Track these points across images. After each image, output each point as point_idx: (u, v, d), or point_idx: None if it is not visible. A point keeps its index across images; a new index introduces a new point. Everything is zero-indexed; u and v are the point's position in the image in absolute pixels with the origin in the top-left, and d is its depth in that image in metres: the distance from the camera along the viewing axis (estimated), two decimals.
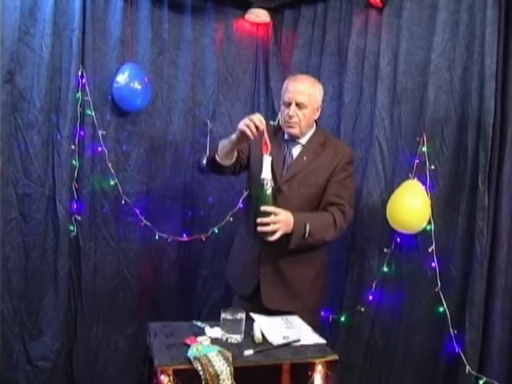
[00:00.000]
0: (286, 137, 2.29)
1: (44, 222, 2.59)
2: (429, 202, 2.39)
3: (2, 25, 2.35)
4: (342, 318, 2.75)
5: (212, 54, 3.08)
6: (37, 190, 2.56)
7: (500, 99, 2.24)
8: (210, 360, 1.60)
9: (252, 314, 1.99)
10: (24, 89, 2.48)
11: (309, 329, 1.95)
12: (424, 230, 2.42)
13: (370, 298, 2.64)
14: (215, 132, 3.10)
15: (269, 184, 1.99)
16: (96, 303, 2.80)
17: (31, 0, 2.45)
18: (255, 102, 3.23)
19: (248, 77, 3.23)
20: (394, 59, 2.63)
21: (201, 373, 1.58)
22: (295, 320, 2.04)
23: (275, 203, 2.02)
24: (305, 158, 2.23)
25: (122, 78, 2.66)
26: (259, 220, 1.97)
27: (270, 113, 3.13)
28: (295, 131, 2.22)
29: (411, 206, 2.35)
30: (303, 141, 2.27)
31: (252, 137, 1.99)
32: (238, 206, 3.15)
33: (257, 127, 1.97)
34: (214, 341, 1.77)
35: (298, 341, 1.81)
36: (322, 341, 1.85)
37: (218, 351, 1.65)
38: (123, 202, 2.83)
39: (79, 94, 2.60)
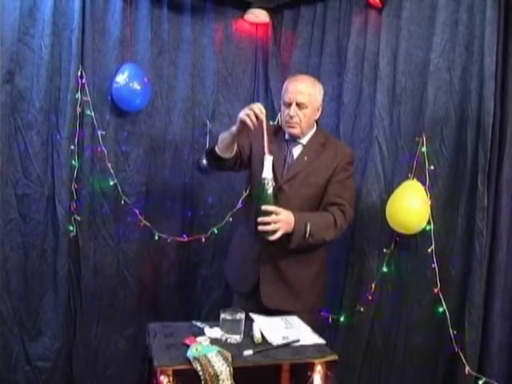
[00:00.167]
0: (286, 137, 2.29)
1: (43, 222, 2.59)
2: (428, 202, 2.39)
3: (1, 25, 2.35)
4: (342, 318, 2.75)
5: (211, 54, 3.08)
6: (36, 190, 2.56)
7: (499, 99, 2.24)
8: (209, 360, 1.60)
9: (251, 315, 1.99)
10: (23, 89, 2.48)
11: (308, 329, 1.95)
12: (423, 230, 2.42)
13: (370, 298, 2.64)
14: (215, 132, 3.09)
15: (270, 183, 1.99)
16: (95, 303, 2.80)
17: (31, 0, 2.45)
18: (255, 102, 3.21)
19: (247, 77, 3.23)
20: (393, 59, 2.63)
21: (200, 373, 1.58)
22: (295, 320, 2.04)
23: (276, 203, 2.02)
24: (305, 158, 2.23)
25: (121, 79, 2.66)
26: (260, 219, 1.98)
27: (270, 113, 3.13)
28: (296, 131, 2.22)
29: (411, 207, 2.35)
30: (304, 141, 2.27)
31: (252, 126, 1.99)
32: (237, 207, 3.14)
33: (257, 117, 1.98)
34: (214, 341, 1.77)
35: (298, 341, 1.81)
36: (321, 341, 1.85)
37: (218, 351, 1.65)
38: (123, 202, 2.83)
39: (79, 95, 2.59)
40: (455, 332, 2.35)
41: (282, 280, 2.22)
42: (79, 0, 2.53)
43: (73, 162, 2.63)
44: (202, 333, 1.84)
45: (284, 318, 2.05)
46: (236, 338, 1.79)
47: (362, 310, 2.67)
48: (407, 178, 2.49)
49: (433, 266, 2.41)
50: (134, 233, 2.90)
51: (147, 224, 2.92)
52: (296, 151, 2.27)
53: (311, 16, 3.02)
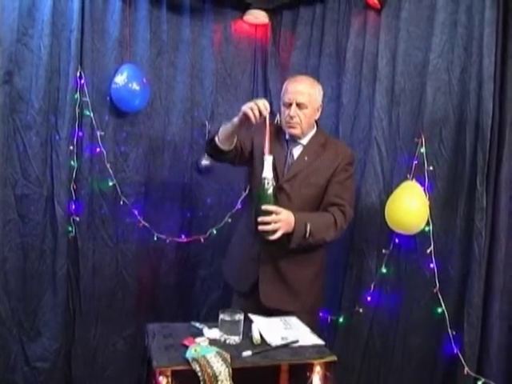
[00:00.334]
0: (286, 137, 2.29)
1: (42, 222, 2.59)
2: (427, 202, 2.39)
3: (0, 25, 2.35)
4: (341, 319, 2.75)
5: (210, 55, 3.08)
6: (35, 190, 2.56)
7: (498, 100, 2.25)
8: (208, 361, 1.60)
9: (250, 315, 1.99)
10: (22, 90, 2.48)
11: (307, 330, 1.95)
12: (422, 231, 2.42)
13: (369, 298, 2.64)
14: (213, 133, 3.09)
15: (270, 183, 2.00)
16: (94, 304, 2.80)
17: (30, 1, 2.45)
18: None
19: (246, 78, 3.23)
20: (392, 60, 2.64)
21: (199, 374, 1.58)
22: (293, 321, 2.04)
23: (276, 202, 2.03)
24: (306, 158, 2.23)
25: (120, 79, 2.66)
26: (260, 219, 1.98)
27: (269, 114, 3.13)
28: (296, 131, 2.22)
29: (409, 207, 2.35)
30: (304, 141, 2.28)
31: (254, 120, 1.98)
32: (236, 207, 3.15)
33: (260, 112, 1.97)
34: (213, 342, 1.77)
35: (297, 342, 1.81)
36: (320, 342, 1.85)
37: (217, 352, 1.65)
38: (121, 202, 2.83)
39: (77, 95, 2.60)
40: (454, 333, 2.35)
41: (282, 279, 2.22)
42: (78, 0, 2.53)
43: (72, 162, 2.63)
44: (200, 333, 1.83)
45: (283, 318, 2.05)
46: (235, 339, 1.79)
47: (360, 310, 2.67)
48: (406, 178, 2.49)
49: (432, 266, 2.42)
50: (133, 233, 2.90)
51: (146, 224, 2.92)
52: (296, 151, 2.27)
53: (310, 17, 3.02)
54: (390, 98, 2.64)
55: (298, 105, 2.18)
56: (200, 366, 1.59)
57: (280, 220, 1.98)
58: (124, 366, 2.90)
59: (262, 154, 2.03)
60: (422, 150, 2.45)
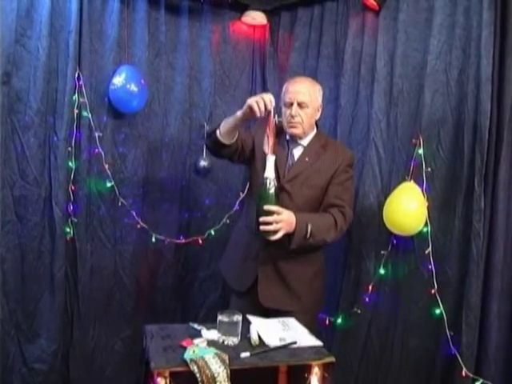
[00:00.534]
0: (287, 138, 2.29)
1: (40, 224, 2.59)
2: (425, 204, 2.40)
3: None
4: (339, 320, 2.75)
5: (209, 56, 3.07)
6: (33, 191, 2.55)
7: (496, 101, 2.25)
8: (206, 362, 1.60)
9: (249, 316, 1.99)
10: (20, 91, 2.48)
11: (305, 331, 1.95)
12: (420, 232, 2.43)
13: (367, 299, 2.64)
14: None
15: (272, 183, 2.00)
16: (92, 305, 2.79)
17: (28, 2, 2.45)
18: None
19: (245, 79, 3.22)
20: (390, 61, 2.64)
21: (197, 375, 1.57)
22: (292, 322, 2.03)
23: (278, 202, 2.03)
24: (307, 159, 2.24)
25: (118, 80, 2.66)
26: (262, 219, 1.97)
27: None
28: (298, 131, 2.22)
29: (408, 209, 2.35)
30: (304, 142, 2.28)
31: (258, 113, 1.96)
32: (234, 208, 3.15)
33: (265, 107, 1.96)
34: (211, 343, 1.77)
35: (295, 343, 1.80)
36: (318, 343, 1.85)
37: (215, 353, 1.65)
38: (120, 203, 2.82)
39: (76, 96, 2.59)
40: (452, 333, 2.35)
41: (281, 279, 2.22)
42: (76, 1, 2.53)
43: (70, 163, 2.62)
44: (199, 335, 1.83)
45: (281, 319, 2.05)
46: (233, 340, 1.79)
47: (359, 311, 2.67)
48: (404, 179, 2.50)
49: (430, 267, 2.42)
50: (131, 234, 2.90)
51: (144, 226, 2.92)
52: (297, 152, 2.27)
53: (308, 18, 3.02)
54: (388, 100, 2.65)
55: (299, 104, 2.18)
56: (198, 367, 1.59)
57: (282, 220, 1.98)
58: (122, 367, 2.90)
59: (264, 153, 2.03)
60: (420, 151, 2.46)
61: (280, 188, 2.14)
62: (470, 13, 2.35)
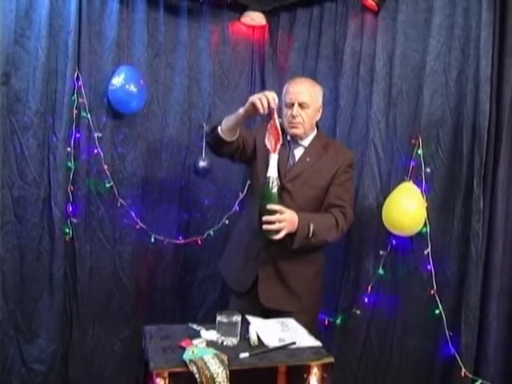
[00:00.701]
0: (288, 138, 2.29)
1: (39, 224, 2.59)
2: (424, 204, 2.40)
3: None
4: (338, 321, 2.75)
5: (208, 56, 3.07)
6: (32, 192, 2.55)
7: (495, 102, 2.26)
8: (205, 363, 1.60)
9: (248, 317, 1.99)
10: (19, 91, 2.48)
11: (304, 331, 1.95)
12: (419, 233, 2.43)
13: (366, 300, 2.65)
14: None
15: (275, 182, 2.00)
16: (91, 306, 2.79)
17: (27, 2, 2.44)
18: None
19: (244, 79, 3.22)
20: (389, 62, 2.64)
21: (196, 376, 1.58)
22: (291, 322, 2.04)
23: (280, 202, 2.03)
24: (308, 159, 2.24)
25: (117, 81, 2.65)
26: (265, 218, 1.97)
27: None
28: (299, 131, 2.23)
29: (407, 209, 2.35)
30: (305, 143, 2.28)
31: (261, 110, 1.95)
32: (233, 209, 3.14)
33: (268, 104, 1.95)
34: (210, 343, 1.77)
35: (294, 343, 1.81)
36: (317, 343, 1.85)
37: (214, 354, 1.65)
38: (119, 204, 2.82)
39: (75, 97, 2.59)
40: (451, 334, 2.36)
41: (281, 279, 2.22)
42: (75, 2, 2.53)
43: (69, 164, 2.62)
44: (198, 335, 1.83)
45: (280, 320, 2.05)
46: (232, 341, 1.79)
47: (358, 312, 2.67)
48: (403, 180, 2.50)
49: (429, 268, 2.42)
50: (131, 235, 2.90)
51: (143, 226, 2.92)
52: (298, 152, 2.28)
53: (308, 19, 3.02)
54: (388, 100, 2.65)
55: (300, 104, 2.19)
56: (197, 367, 1.59)
57: (284, 219, 1.98)
58: (121, 367, 2.90)
59: (267, 152, 2.03)
60: (419, 151, 2.46)
61: (281, 188, 2.14)
62: (469, 13, 2.35)
